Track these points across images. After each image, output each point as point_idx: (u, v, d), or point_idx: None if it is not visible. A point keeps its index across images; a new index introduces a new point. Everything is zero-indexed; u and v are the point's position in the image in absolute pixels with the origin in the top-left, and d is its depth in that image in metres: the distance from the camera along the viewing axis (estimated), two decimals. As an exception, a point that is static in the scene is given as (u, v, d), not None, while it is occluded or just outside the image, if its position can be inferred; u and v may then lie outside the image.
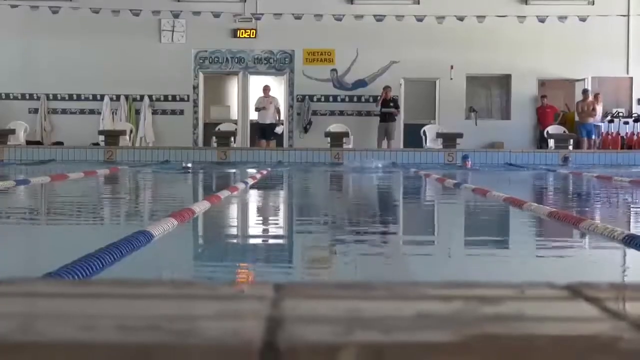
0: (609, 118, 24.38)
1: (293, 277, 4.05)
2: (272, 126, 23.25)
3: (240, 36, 24.75)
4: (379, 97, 23.62)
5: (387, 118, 23.32)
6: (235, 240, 5.80)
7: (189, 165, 15.54)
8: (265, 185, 11.98)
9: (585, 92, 23.54)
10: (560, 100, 24.85)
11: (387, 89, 23.48)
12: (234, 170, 15.91)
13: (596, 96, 23.61)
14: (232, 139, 22.51)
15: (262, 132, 23.32)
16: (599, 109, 23.52)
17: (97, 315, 1.28)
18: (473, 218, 7.67)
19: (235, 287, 1.65)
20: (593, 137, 23.33)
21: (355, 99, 24.78)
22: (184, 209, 6.16)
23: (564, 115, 24.63)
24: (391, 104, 23.38)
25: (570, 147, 22.16)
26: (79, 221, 6.87)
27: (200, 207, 6.73)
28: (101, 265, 3.54)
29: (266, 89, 23.42)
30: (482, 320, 1.28)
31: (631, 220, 7.68)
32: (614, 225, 5.14)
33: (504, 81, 25.24)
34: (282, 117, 24.09)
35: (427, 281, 1.53)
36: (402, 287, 1.54)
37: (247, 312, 1.33)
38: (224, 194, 8.55)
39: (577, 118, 23.74)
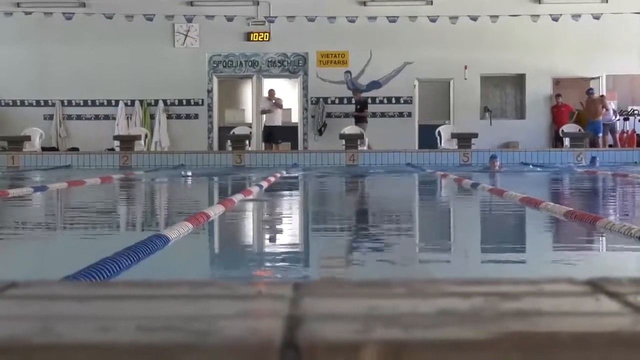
0: (624, 116, 24.31)
1: (311, 278, 4.04)
2: (281, 129, 23.17)
3: (254, 39, 24.79)
4: None
5: (356, 120, 23.44)
6: (249, 243, 5.81)
7: (189, 173, 15.20)
8: (279, 188, 11.98)
9: (588, 91, 23.51)
10: (575, 99, 24.75)
11: (353, 92, 23.65)
12: (242, 177, 15.76)
13: (601, 97, 23.55)
14: (247, 142, 22.51)
15: (269, 134, 23.25)
16: (605, 109, 23.38)
17: (115, 317, 1.28)
18: (502, 218, 7.66)
19: (254, 286, 1.64)
20: (600, 135, 23.22)
21: (369, 100, 24.76)
22: (199, 213, 6.18)
23: (579, 114, 24.51)
24: (357, 107, 23.42)
25: (587, 146, 22.07)
26: (97, 226, 6.89)
27: (215, 211, 6.76)
28: (118, 269, 3.55)
29: (271, 93, 23.39)
30: (503, 316, 1.27)
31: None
32: (631, 223, 5.12)
33: (518, 80, 25.19)
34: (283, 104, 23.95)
35: (446, 278, 1.52)
36: (421, 284, 1.53)
37: (267, 311, 1.33)
38: (238, 197, 8.56)
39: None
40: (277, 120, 23.14)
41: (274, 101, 23.03)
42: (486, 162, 17.60)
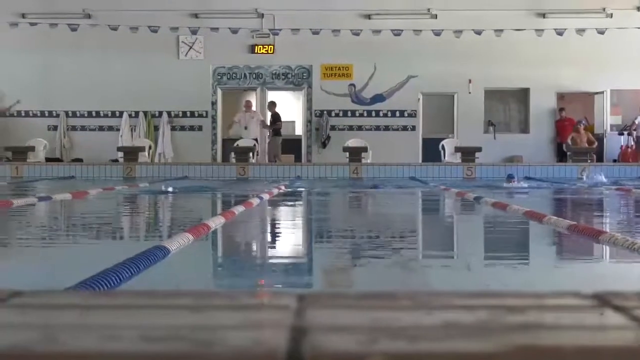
0: (627, 131, 24.31)
1: (314, 289, 4.03)
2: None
3: (258, 52, 24.84)
4: None
5: (272, 133, 23.41)
6: (250, 254, 5.79)
7: (170, 189, 13.78)
8: (281, 200, 11.97)
9: (578, 123, 23.45)
10: (579, 114, 24.76)
11: (268, 105, 23.70)
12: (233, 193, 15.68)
13: (586, 131, 23.47)
14: (251, 154, 22.49)
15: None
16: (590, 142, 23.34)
17: (120, 326, 1.27)
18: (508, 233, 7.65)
19: (258, 297, 1.64)
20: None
21: (373, 113, 24.81)
22: (200, 224, 6.19)
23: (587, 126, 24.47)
24: (271, 120, 23.39)
25: (589, 161, 22.03)
26: (99, 237, 6.88)
27: (216, 222, 6.76)
28: (119, 280, 3.54)
29: (248, 104, 23.39)
30: (509, 329, 1.26)
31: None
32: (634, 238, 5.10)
33: (523, 95, 25.20)
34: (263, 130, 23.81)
35: (451, 290, 1.51)
36: (426, 297, 1.53)
37: (271, 321, 1.32)
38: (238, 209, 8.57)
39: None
40: (252, 134, 23.04)
41: (246, 111, 23.05)
42: (491, 176, 17.56)
